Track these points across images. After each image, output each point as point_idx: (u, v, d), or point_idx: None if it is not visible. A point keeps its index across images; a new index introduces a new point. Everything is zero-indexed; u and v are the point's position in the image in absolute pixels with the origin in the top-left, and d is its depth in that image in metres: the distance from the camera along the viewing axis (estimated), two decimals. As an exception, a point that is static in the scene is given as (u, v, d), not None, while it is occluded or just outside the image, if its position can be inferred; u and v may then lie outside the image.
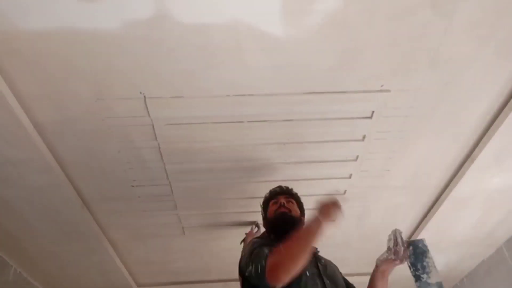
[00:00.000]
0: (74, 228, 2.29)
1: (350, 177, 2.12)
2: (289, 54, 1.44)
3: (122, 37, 1.34)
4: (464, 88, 1.64)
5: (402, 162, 2.03)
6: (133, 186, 2.08)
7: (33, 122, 1.65)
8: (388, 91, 1.63)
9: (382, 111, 1.72)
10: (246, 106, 1.66)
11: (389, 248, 1.56)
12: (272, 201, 1.73)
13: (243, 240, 2.30)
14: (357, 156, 1.98)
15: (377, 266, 1.66)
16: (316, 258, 1.59)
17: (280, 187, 1.81)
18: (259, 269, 1.35)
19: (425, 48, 1.46)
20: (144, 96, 1.58)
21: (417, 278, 1.58)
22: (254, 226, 2.38)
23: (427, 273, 1.57)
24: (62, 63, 1.43)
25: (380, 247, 2.80)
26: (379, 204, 2.35)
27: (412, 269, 1.59)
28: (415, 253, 1.57)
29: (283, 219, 1.63)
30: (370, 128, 1.81)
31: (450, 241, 2.69)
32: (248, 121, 1.75)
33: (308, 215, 1.59)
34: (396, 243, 1.54)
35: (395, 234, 1.57)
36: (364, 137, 1.87)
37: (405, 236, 2.67)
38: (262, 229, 2.09)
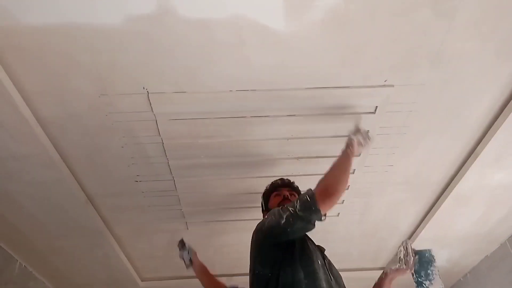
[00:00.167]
0: (79, 223, 2.30)
1: (353, 172, 2.12)
2: (292, 49, 1.44)
3: (125, 32, 1.35)
4: (467, 84, 1.63)
5: (405, 158, 2.03)
6: (136, 181, 2.09)
7: (37, 118, 1.66)
8: (392, 86, 1.62)
9: (386, 106, 1.72)
10: (249, 101, 1.66)
11: (400, 259, 1.63)
12: (275, 193, 1.75)
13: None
14: (360, 152, 1.98)
15: (386, 274, 1.71)
16: (322, 254, 1.59)
17: (282, 179, 1.83)
18: (308, 198, 1.37)
19: (428, 44, 1.46)
20: (147, 92, 1.59)
21: (419, 284, 1.69)
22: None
23: (430, 280, 1.69)
24: (65, 58, 1.43)
25: (382, 243, 2.83)
26: (381, 199, 2.35)
27: (415, 276, 1.69)
28: (420, 261, 1.68)
29: None
30: (373, 123, 1.81)
31: (453, 237, 2.69)
32: (251, 117, 1.75)
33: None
34: (407, 254, 1.62)
35: (406, 245, 1.65)
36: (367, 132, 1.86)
37: (409, 232, 2.70)
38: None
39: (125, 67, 1.48)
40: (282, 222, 1.37)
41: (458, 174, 2.11)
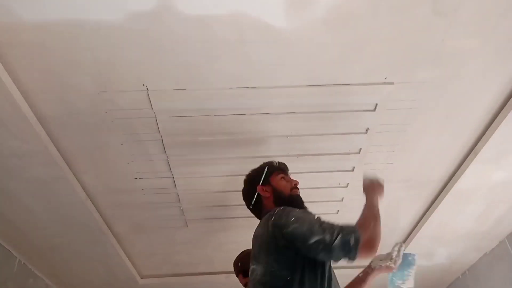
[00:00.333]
0: (78, 220, 2.30)
1: (353, 170, 2.12)
2: (292, 46, 1.44)
3: (125, 29, 1.34)
4: (468, 81, 1.63)
5: (405, 155, 2.03)
6: (136, 178, 2.09)
7: (37, 115, 1.65)
8: (392, 83, 1.62)
9: (386, 103, 1.71)
10: (249, 98, 1.66)
11: (391, 258, 1.66)
12: (282, 174, 1.63)
13: None
14: (360, 149, 1.98)
15: (372, 269, 1.68)
16: None
17: (285, 165, 1.71)
18: (352, 242, 1.24)
19: (429, 41, 1.45)
20: (147, 89, 1.58)
21: (392, 281, 1.75)
22: None
23: (403, 280, 1.74)
24: (65, 55, 1.43)
25: (381, 241, 2.82)
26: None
27: (391, 274, 1.74)
28: (402, 262, 1.70)
29: (299, 202, 1.56)
30: (373, 121, 1.81)
31: (453, 235, 2.69)
32: (251, 114, 1.75)
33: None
34: (398, 255, 1.66)
35: (400, 247, 1.69)
36: (367, 130, 1.87)
37: (408, 229, 2.70)
38: None
39: (125, 64, 1.47)
40: (310, 242, 1.25)
41: (458, 171, 2.11)
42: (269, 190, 1.59)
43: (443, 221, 2.52)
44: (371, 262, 1.71)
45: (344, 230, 1.27)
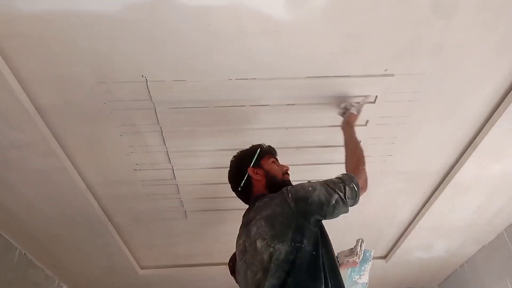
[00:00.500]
0: (78, 211, 2.31)
1: (352, 162, 2.12)
2: (292, 37, 1.43)
3: (124, 19, 1.33)
4: (468, 73, 1.62)
5: (404, 148, 2.03)
6: (135, 170, 2.09)
7: (36, 106, 1.65)
8: (392, 75, 1.61)
9: (386, 96, 1.71)
10: (248, 90, 1.66)
11: (356, 253, 1.78)
12: (273, 158, 1.61)
13: None
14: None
15: (340, 265, 1.74)
16: None
17: (275, 150, 1.69)
18: (355, 187, 1.39)
19: (429, 33, 1.44)
20: (146, 80, 1.58)
21: (349, 277, 1.88)
22: None
23: (360, 275, 1.89)
24: (63, 46, 1.42)
25: (380, 232, 2.84)
26: (380, 189, 2.35)
27: (350, 269, 1.88)
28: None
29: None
30: (373, 113, 1.81)
31: (451, 227, 2.70)
32: (251, 105, 1.75)
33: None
34: (361, 250, 1.80)
35: (362, 243, 1.82)
36: (367, 122, 1.86)
37: (407, 221, 2.71)
38: None
39: (124, 55, 1.47)
40: (332, 203, 1.34)
41: (457, 164, 2.11)
42: (260, 173, 1.54)
43: (442, 214, 2.52)
44: (337, 256, 1.76)
45: (346, 181, 1.40)
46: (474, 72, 1.62)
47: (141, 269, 3.19)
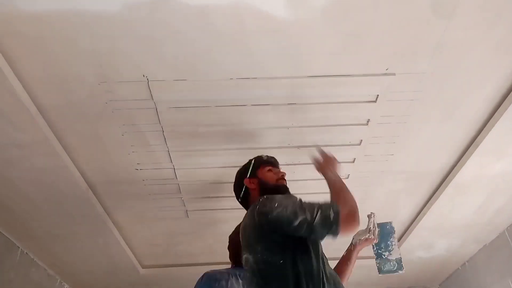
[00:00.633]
0: (80, 210, 2.32)
1: (353, 161, 2.12)
2: (293, 36, 1.43)
3: (125, 19, 1.34)
4: (469, 73, 1.62)
5: (405, 147, 2.03)
6: (137, 169, 2.09)
7: (37, 105, 1.66)
8: (393, 74, 1.61)
9: (387, 95, 1.71)
10: (249, 89, 1.66)
11: (369, 230, 1.70)
12: (269, 167, 1.65)
13: None
14: (361, 141, 1.98)
15: (354, 245, 1.73)
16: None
17: (275, 159, 1.74)
18: (331, 216, 1.27)
19: (430, 32, 1.44)
20: (147, 79, 1.58)
21: (379, 255, 1.79)
22: None
23: (389, 251, 1.79)
24: (65, 45, 1.42)
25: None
26: (381, 188, 2.35)
27: (375, 248, 1.79)
28: (381, 233, 1.76)
29: (285, 192, 1.58)
30: (374, 112, 1.81)
31: (452, 226, 2.70)
32: (252, 105, 1.75)
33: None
34: (373, 225, 1.71)
35: (372, 217, 1.73)
36: (368, 121, 1.86)
37: (408, 220, 2.71)
38: None
39: (126, 54, 1.47)
40: (295, 224, 1.28)
41: (458, 163, 2.11)
42: (255, 182, 1.62)
43: (443, 213, 2.52)
44: (352, 239, 1.74)
45: (323, 206, 1.31)
46: (475, 71, 1.62)
47: (143, 268, 3.20)
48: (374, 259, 1.80)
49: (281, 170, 1.69)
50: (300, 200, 1.37)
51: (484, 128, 1.89)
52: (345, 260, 1.72)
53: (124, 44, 1.43)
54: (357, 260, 3.15)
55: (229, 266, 1.94)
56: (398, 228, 2.80)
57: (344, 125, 1.88)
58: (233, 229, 1.94)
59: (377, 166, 2.15)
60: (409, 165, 2.17)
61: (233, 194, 2.32)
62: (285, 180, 1.64)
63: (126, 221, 2.58)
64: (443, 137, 1.97)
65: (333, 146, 2.00)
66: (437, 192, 2.36)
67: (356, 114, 1.82)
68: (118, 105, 1.69)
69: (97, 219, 2.40)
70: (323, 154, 1.63)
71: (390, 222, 1.81)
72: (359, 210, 1.35)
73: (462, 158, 2.08)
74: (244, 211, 1.60)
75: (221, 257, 2.98)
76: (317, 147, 1.69)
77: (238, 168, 2.14)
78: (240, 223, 1.55)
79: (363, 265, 3.16)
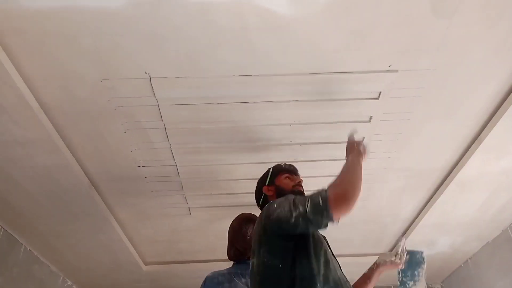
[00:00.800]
0: (82, 207, 2.32)
1: (355, 158, 2.11)
2: (296, 33, 1.43)
3: (127, 15, 1.33)
4: (473, 69, 1.61)
5: (408, 144, 2.02)
6: (139, 166, 2.09)
7: (40, 102, 1.66)
8: (396, 71, 1.61)
9: (390, 92, 1.70)
10: (251, 86, 1.65)
11: (397, 253, 1.68)
12: (287, 174, 1.68)
13: None
14: (363, 138, 1.97)
15: (377, 265, 1.73)
16: (327, 241, 1.58)
17: (294, 166, 1.76)
18: (320, 202, 1.26)
19: (433, 28, 1.43)
20: (150, 76, 1.58)
21: (403, 283, 1.73)
22: None
23: (414, 281, 1.73)
24: (67, 42, 1.42)
25: (384, 229, 2.84)
26: (384, 186, 2.35)
27: (400, 274, 1.74)
28: (410, 261, 1.72)
29: None
30: (377, 109, 1.80)
31: (455, 223, 2.69)
32: (254, 102, 1.75)
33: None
34: (403, 250, 1.69)
35: (403, 242, 1.71)
36: (370, 118, 1.86)
37: (411, 218, 2.70)
38: None
39: (127, 51, 1.47)
40: (292, 221, 1.30)
41: (462, 160, 2.10)
42: (272, 189, 1.67)
43: (446, 210, 2.52)
44: (377, 258, 1.73)
45: (312, 196, 1.32)
46: (479, 68, 1.61)
47: (145, 265, 3.21)
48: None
49: (299, 177, 1.71)
50: (295, 197, 1.38)
51: (488, 125, 1.88)
52: (365, 278, 1.73)
53: (126, 41, 1.43)
54: (361, 257, 3.17)
55: (229, 263, 1.95)
56: (400, 225, 2.81)
57: (346, 122, 1.88)
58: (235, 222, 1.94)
59: (379, 163, 2.15)
60: (411, 163, 2.17)
61: (236, 191, 2.35)
62: (302, 186, 1.66)
63: (128, 218, 2.58)
64: (446, 134, 1.96)
65: (335, 143, 2.00)
66: (440, 189, 2.35)
67: (359, 111, 1.82)
68: (120, 102, 1.69)
69: (100, 216, 2.41)
70: (354, 141, 1.63)
71: (422, 252, 1.76)
72: (359, 193, 1.32)
73: (465, 155, 2.07)
74: (256, 208, 1.67)
75: (223, 255, 2.97)
76: (352, 133, 1.68)
77: (240, 165, 2.15)
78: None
79: (366, 262, 3.17)
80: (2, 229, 2.48)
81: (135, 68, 1.54)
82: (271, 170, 1.74)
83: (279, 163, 1.78)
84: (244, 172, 2.18)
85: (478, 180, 2.23)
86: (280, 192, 1.61)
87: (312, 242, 1.38)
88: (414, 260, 1.72)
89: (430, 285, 3.70)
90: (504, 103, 1.76)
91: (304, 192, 1.63)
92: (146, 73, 1.57)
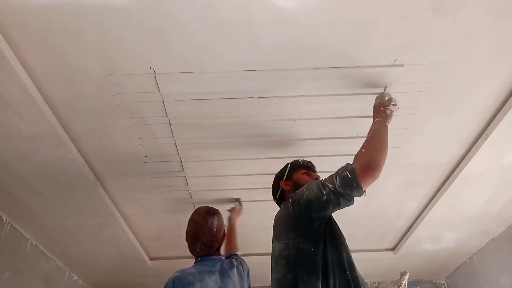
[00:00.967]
0: (88, 202, 2.33)
1: (360, 153, 2.10)
2: (300, 27, 1.42)
3: (131, 10, 1.33)
4: (479, 63, 1.60)
5: (414, 139, 2.01)
6: (144, 162, 2.10)
7: (45, 98, 1.66)
8: (402, 65, 1.59)
9: (395, 86, 1.69)
10: (256, 81, 1.65)
11: (400, 285, 1.82)
12: (304, 170, 1.72)
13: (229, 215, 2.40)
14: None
15: None
16: None
17: (311, 163, 1.80)
18: (348, 174, 1.35)
19: (440, 22, 1.42)
20: (154, 72, 1.58)
21: None
22: (238, 203, 2.46)
23: None
24: (72, 37, 1.42)
25: (388, 224, 2.83)
26: (389, 181, 2.34)
27: None
28: None
29: None
30: (382, 104, 1.79)
31: (461, 218, 2.69)
32: (258, 97, 1.74)
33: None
34: (405, 283, 1.82)
35: (407, 275, 1.84)
36: (375, 113, 1.84)
37: (416, 213, 2.69)
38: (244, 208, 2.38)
39: (132, 46, 1.47)
40: (324, 198, 1.36)
41: (467, 155, 2.09)
42: (290, 184, 1.70)
43: (451, 205, 2.51)
44: (379, 284, 1.78)
45: (339, 171, 1.41)
46: (485, 62, 1.59)
47: (150, 260, 3.22)
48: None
49: (316, 173, 1.74)
50: (321, 179, 1.45)
51: (494, 120, 1.86)
52: None
53: (130, 36, 1.43)
54: (365, 253, 3.16)
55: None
56: (405, 221, 2.80)
57: (351, 117, 1.87)
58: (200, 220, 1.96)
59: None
60: (417, 158, 2.16)
61: (240, 187, 2.35)
62: None
63: (133, 213, 2.59)
64: (452, 128, 1.95)
65: (340, 138, 2.00)
66: (445, 184, 2.34)
67: (364, 106, 1.80)
68: (125, 97, 1.70)
69: (105, 211, 2.42)
70: (381, 103, 1.61)
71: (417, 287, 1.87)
72: (385, 160, 1.42)
73: (471, 150, 2.06)
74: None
75: (226, 250, 3.00)
76: (382, 93, 1.65)
77: (244, 161, 2.15)
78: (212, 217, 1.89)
79: (370, 257, 3.17)
80: (9, 224, 2.50)
81: (140, 63, 1.54)
82: (289, 165, 1.76)
83: (296, 159, 1.81)
84: (248, 167, 2.19)
85: (483, 175, 2.22)
86: (297, 187, 1.61)
87: (336, 228, 1.46)
88: None
89: (435, 281, 3.70)
90: (511, 98, 1.74)
91: None
92: (150, 68, 1.57)
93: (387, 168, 2.19)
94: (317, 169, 1.91)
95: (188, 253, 3.27)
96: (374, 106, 1.64)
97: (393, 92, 1.72)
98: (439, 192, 2.41)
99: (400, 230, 2.94)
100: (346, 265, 1.36)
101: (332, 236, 1.42)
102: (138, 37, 1.44)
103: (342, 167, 1.42)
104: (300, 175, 1.70)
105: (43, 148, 1.88)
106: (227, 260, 2.00)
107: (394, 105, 1.59)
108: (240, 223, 2.72)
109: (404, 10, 1.37)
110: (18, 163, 1.99)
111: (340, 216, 2.07)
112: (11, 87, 1.55)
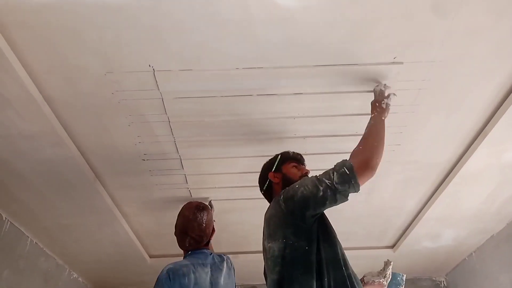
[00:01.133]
0: (87, 200, 2.34)
1: (360, 151, 2.10)
2: (300, 25, 1.42)
3: (130, 8, 1.33)
4: (478, 61, 1.60)
5: (413, 137, 2.01)
6: (144, 160, 2.10)
7: (44, 96, 1.66)
8: (401, 63, 1.59)
9: (395, 84, 1.69)
10: (255, 79, 1.65)
11: (385, 275, 1.80)
12: (294, 163, 1.69)
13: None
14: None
15: (365, 283, 1.79)
16: None
17: (301, 156, 1.77)
18: (346, 171, 1.35)
19: (439, 19, 1.42)
20: (153, 69, 1.58)
21: None
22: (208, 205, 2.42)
23: None
24: (71, 35, 1.42)
25: (388, 222, 2.84)
26: (388, 179, 2.34)
27: None
28: (391, 282, 1.85)
29: None
30: (381, 102, 1.79)
31: (460, 216, 2.69)
32: (258, 95, 1.74)
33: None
34: (390, 273, 1.82)
35: (390, 266, 1.84)
36: (375, 111, 1.84)
37: (415, 211, 2.70)
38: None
39: (131, 44, 1.46)
40: (320, 194, 1.35)
41: (467, 153, 2.09)
42: (279, 176, 1.66)
43: (451, 203, 2.51)
44: (364, 276, 1.78)
45: (336, 167, 1.40)
46: (485, 60, 1.59)
47: (150, 257, 3.23)
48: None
49: (306, 168, 1.72)
50: (315, 175, 1.43)
51: (493, 118, 1.86)
52: None
53: (129, 34, 1.43)
54: (363, 250, 3.17)
55: (236, 255, 1.96)
56: (404, 218, 2.81)
57: (351, 115, 1.87)
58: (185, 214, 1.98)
59: (384, 156, 2.12)
60: (416, 156, 2.16)
61: (240, 184, 2.35)
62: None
63: (133, 211, 2.60)
64: (452, 126, 1.95)
65: (339, 136, 2.00)
66: (444, 182, 2.34)
67: (363, 103, 1.80)
68: (124, 95, 1.70)
69: (105, 209, 2.42)
70: (377, 99, 1.63)
71: (403, 275, 1.89)
72: (382, 156, 1.45)
73: (470, 148, 2.06)
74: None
75: (226, 247, 3.01)
76: (378, 87, 1.66)
77: (244, 159, 2.15)
78: (200, 212, 1.90)
79: (369, 255, 3.18)
80: (8, 222, 2.50)
81: (139, 61, 1.54)
82: (279, 156, 1.73)
83: (286, 151, 1.77)
84: (247, 165, 2.18)
85: (483, 173, 2.23)
86: (287, 181, 1.61)
87: (329, 226, 1.44)
88: (393, 281, 1.85)
89: (434, 278, 3.71)
90: (510, 96, 1.74)
91: None
92: (149, 66, 1.57)
93: (387, 166, 2.22)
94: (316, 167, 1.91)
95: (188, 251, 3.27)
96: (371, 103, 1.65)
97: (393, 90, 1.72)
98: (439, 190, 2.41)
99: (399, 228, 2.95)
100: (342, 262, 1.36)
101: (326, 233, 1.41)
102: (137, 35, 1.43)
103: (339, 163, 1.42)
104: (289, 168, 1.67)
105: (42, 146, 1.88)
106: (217, 254, 2.03)
107: (390, 94, 1.60)
108: (239, 221, 2.72)
109: (404, 9, 1.37)
110: (17, 162, 1.99)
111: (340, 214, 2.08)
112: (11, 86, 1.55)
